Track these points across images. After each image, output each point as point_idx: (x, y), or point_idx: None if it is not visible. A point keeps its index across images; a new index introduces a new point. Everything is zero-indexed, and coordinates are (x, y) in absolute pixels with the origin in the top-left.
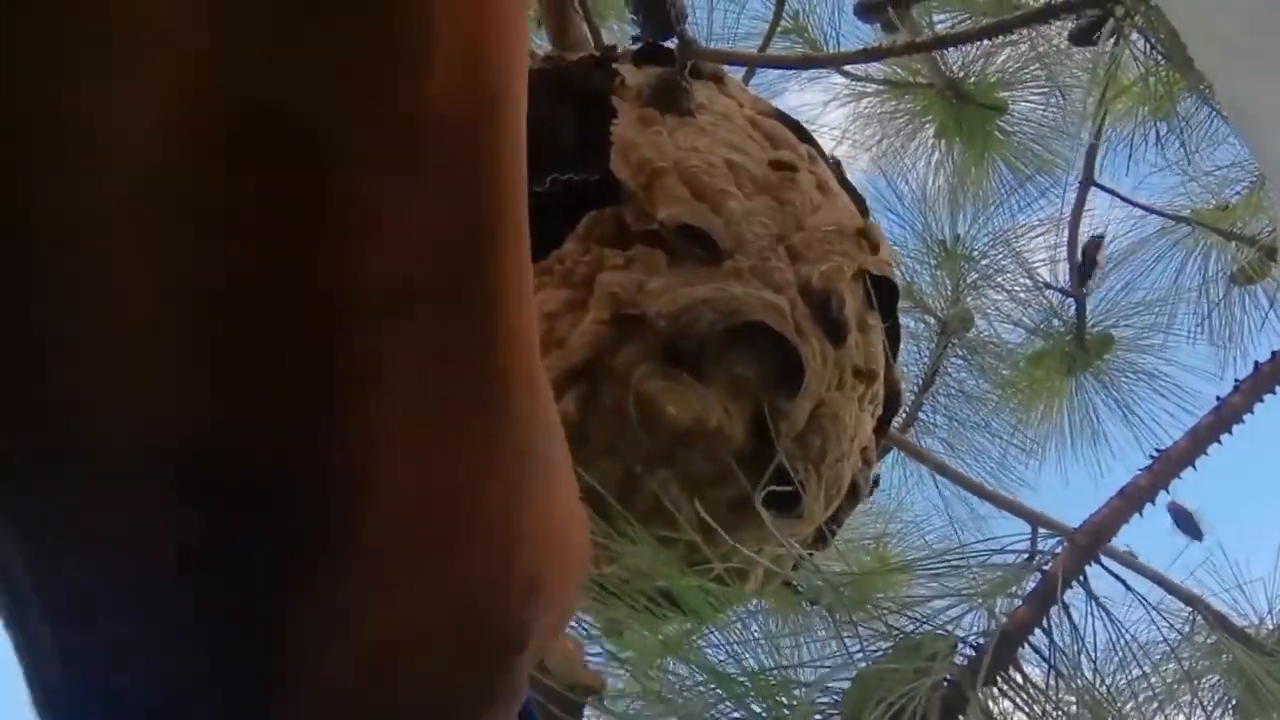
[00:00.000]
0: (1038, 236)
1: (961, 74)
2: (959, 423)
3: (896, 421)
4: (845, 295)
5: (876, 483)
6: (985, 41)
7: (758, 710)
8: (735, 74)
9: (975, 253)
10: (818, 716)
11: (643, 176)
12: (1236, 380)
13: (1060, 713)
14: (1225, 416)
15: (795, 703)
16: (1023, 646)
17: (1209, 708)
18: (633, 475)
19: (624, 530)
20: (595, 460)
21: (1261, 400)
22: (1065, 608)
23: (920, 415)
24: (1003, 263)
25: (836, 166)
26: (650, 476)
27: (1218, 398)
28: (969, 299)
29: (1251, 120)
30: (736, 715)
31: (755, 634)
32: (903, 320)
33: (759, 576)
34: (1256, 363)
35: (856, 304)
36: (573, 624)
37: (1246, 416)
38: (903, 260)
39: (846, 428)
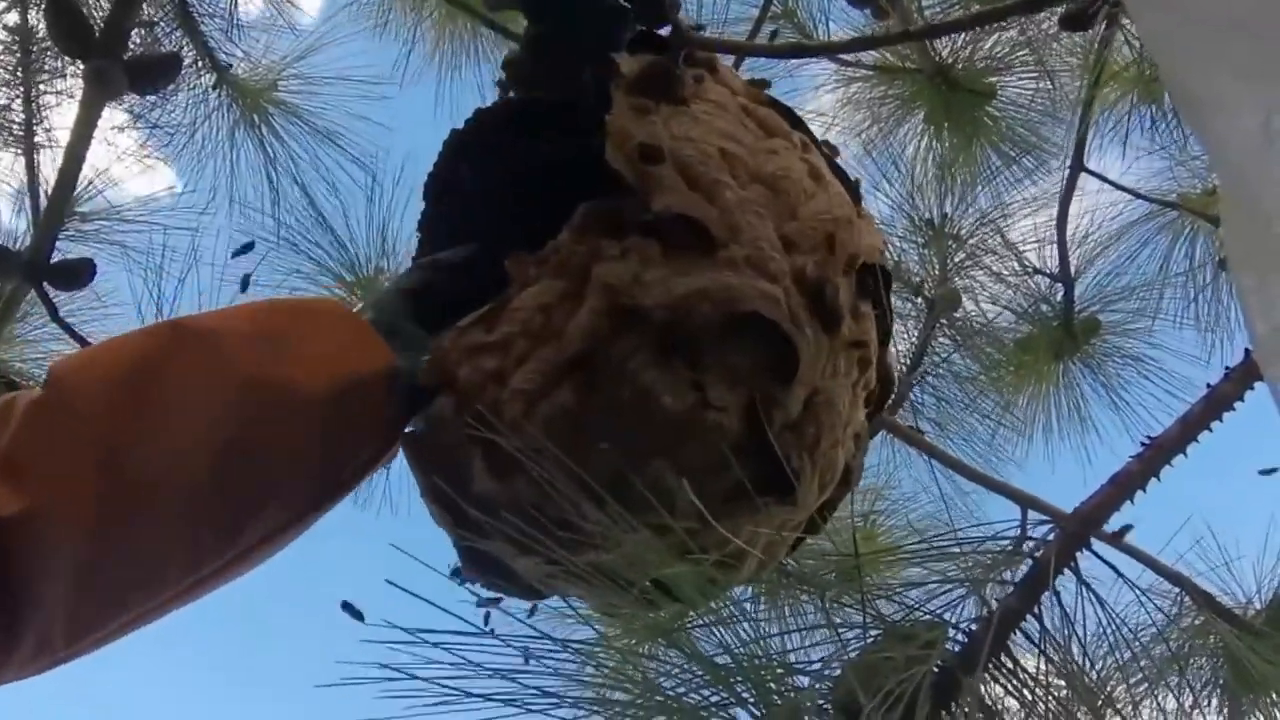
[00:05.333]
0: (1026, 218)
1: (950, 60)
2: (947, 402)
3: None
4: (839, 283)
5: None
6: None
7: (746, 696)
8: (725, 62)
9: (963, 232)
10: (809, 704)
11: (638, 166)
12: (1227, 367)
13: (1051, 698)
14: (1216, 403)
15: (785, 689)
16: (1014, 632)
17: (1197, 688)
18: (629, 464)
19: (620, 519)
20: (592, 449)
21: (1252, 388)
22: (1056, 594)
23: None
24: (991, 244)
25: (828, 147)
26: (646, 466)
27: (1208, 385)
28: (957, 279)
29: (1208, 107)
30: (725, 701)
31: (743, 621)
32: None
33: (753, 564)
34: (1247, 349)
35: (849, 292)
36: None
37: (1236, 404)
38: (890, 239)
39: (840, 414)
